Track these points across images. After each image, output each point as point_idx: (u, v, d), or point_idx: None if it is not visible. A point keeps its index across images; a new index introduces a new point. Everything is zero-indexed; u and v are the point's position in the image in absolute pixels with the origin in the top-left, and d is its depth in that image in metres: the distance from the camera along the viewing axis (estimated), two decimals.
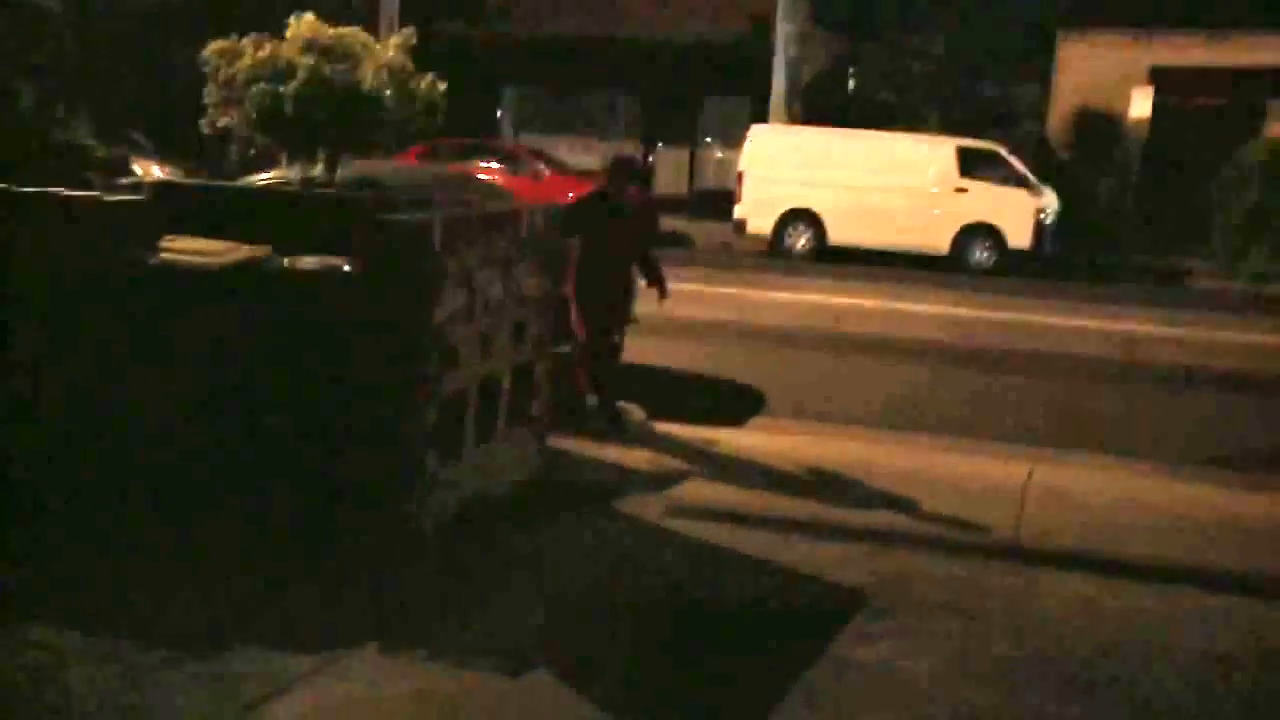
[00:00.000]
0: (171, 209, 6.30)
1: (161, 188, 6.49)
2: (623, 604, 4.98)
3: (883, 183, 19.90)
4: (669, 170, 26.63)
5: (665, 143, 26.87)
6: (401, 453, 5.19)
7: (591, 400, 7.93)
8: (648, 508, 6.27)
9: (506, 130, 27.57)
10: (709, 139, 26.75)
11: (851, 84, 28.89)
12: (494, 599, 4.91)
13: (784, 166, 20.31)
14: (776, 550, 5.71)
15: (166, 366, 5.22)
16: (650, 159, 26.63)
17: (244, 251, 5.28)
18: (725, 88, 25.43)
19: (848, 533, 6.07)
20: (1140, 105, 22.23)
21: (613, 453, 7.36)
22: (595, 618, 4.82)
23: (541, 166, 21.79)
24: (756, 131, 21.02)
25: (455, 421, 5.60)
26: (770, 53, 23.71)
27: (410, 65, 9.76)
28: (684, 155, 26.70)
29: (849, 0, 27.45)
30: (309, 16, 9.65)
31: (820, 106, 25.21)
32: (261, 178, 10.80)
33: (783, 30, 23.78)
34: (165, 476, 5.22)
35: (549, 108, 27.60)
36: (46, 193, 5.51)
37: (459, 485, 5.66)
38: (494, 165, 21.73)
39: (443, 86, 10.10)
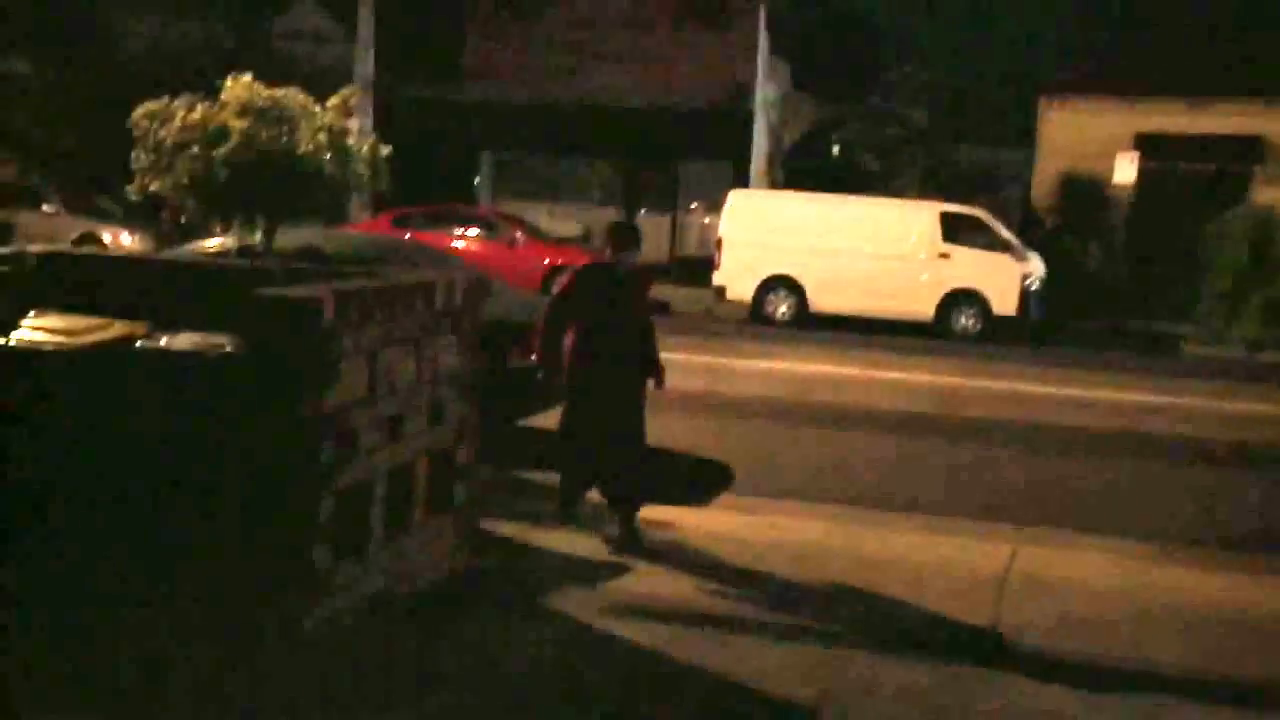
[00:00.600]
0: (57, 281, 5.78)
1: (46, 258, 5.92)
2: None
3: (864, 248, 19.43)
4: (650, 236, 26.07)
5: (646, 208, 26.48)
6: (288, 552, 4.59)
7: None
8: (582, 605, 5.65)
9: (485, 196, 27.17)
10: (690, 204, 26.36)
11: (835, 149, 28.61)
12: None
13: (764, 232, 19.85)
14: (721, 658, 5.08)
15: (25, 458, 4.63)
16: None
17: (115, 330, 4.72)
18: (706, 152, 25.09)
19: (803, 634, 5.46)
20: (1125, 171, 21.87)
21: (556, 539, 6.75)
22: None
23: (518, 233, 21.32)
24: (735, 197, 20.59)
25: (359, 514, 5.01)
26: (751, 117, 23.37)
27: (350, 127, 9.33)
28: (665, 221, 26.29)
29: (831, 65, 27.21)
30: (245, 77, 9.20)
31: (802, 171, 24.86)
32: (209, 244, 10.33)
33: (763, 95, 23.47)
34: (17, 580, 4.61)
35: (528, 173, 27.24)
36: None
37: (362, 584, 5.05)
38: (469, 232, 21.27)
39: (386, 150, 9.65)
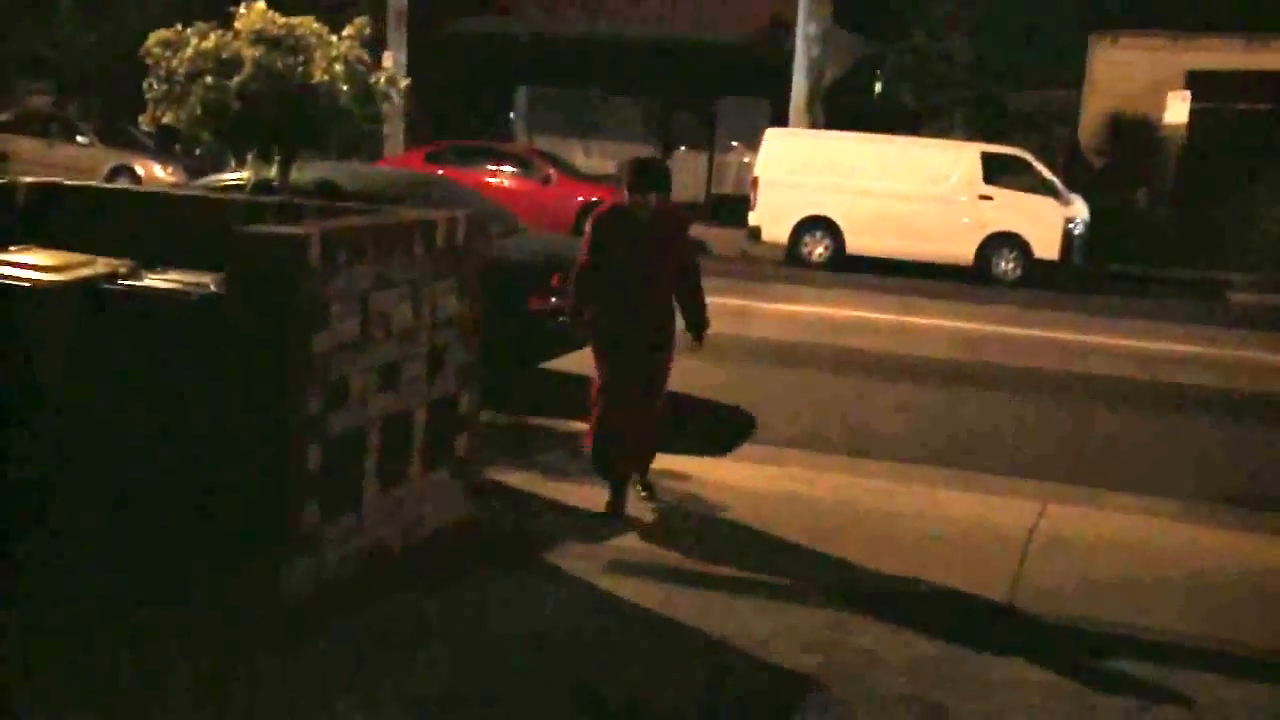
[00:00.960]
0: (50, 214, 5.60)
1: (39, 190, 5.74)
2: (515, 699, 4.15)
3: (903, 189, 18.99)
4: (686, 174, 25.76)
5: (683, 146, 26.06)
6: (270, 506, 4.41)
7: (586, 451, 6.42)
8: (583, 562, 5.45)
9: (520, 132, 26.81)
10: (728, 142, 25.91)
11: (878, 87, 28.00)
12: (354, 690, 4.09)
13: (801, 172, 19.43)
14: (721, 621, 4.88)
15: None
16: (666, 163, 25.78)
17: (96, 267, 4.52)
18: (744, 89, 24.58)
19: (812, 598, 5.24)
20: (1177, 110, 21.21)
21: (566, 491, 6.55)
22: None
23: (551, 170, 21.03)
24: (772, 135, 20.14)
25: (351, 465, 4.82)
26: (791, 54, 22.81)
27: (366, 57, 9.02)
28: (701, 159, 25.86)
29: (874, 1, 26.53)
30: (259, 4, 8.91)
31: (843, 110, 24.31)
32: (228, 178, 10.15)
33: (804, 31, 22.87)
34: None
35: (564, 109, 26.83)
36: None
37: (354, 539, 4.88)
38: (502, 168, 21.00)
39: (404, 82, 9.35)
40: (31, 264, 4.46)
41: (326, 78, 8.56)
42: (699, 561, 5.61)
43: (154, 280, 4.51)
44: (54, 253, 4.63)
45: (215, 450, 4.37)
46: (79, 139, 23.31)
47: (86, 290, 4.36)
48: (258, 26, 8.68)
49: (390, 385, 4.99)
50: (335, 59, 8.70)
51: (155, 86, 8.74)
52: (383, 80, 8.97)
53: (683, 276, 6.34)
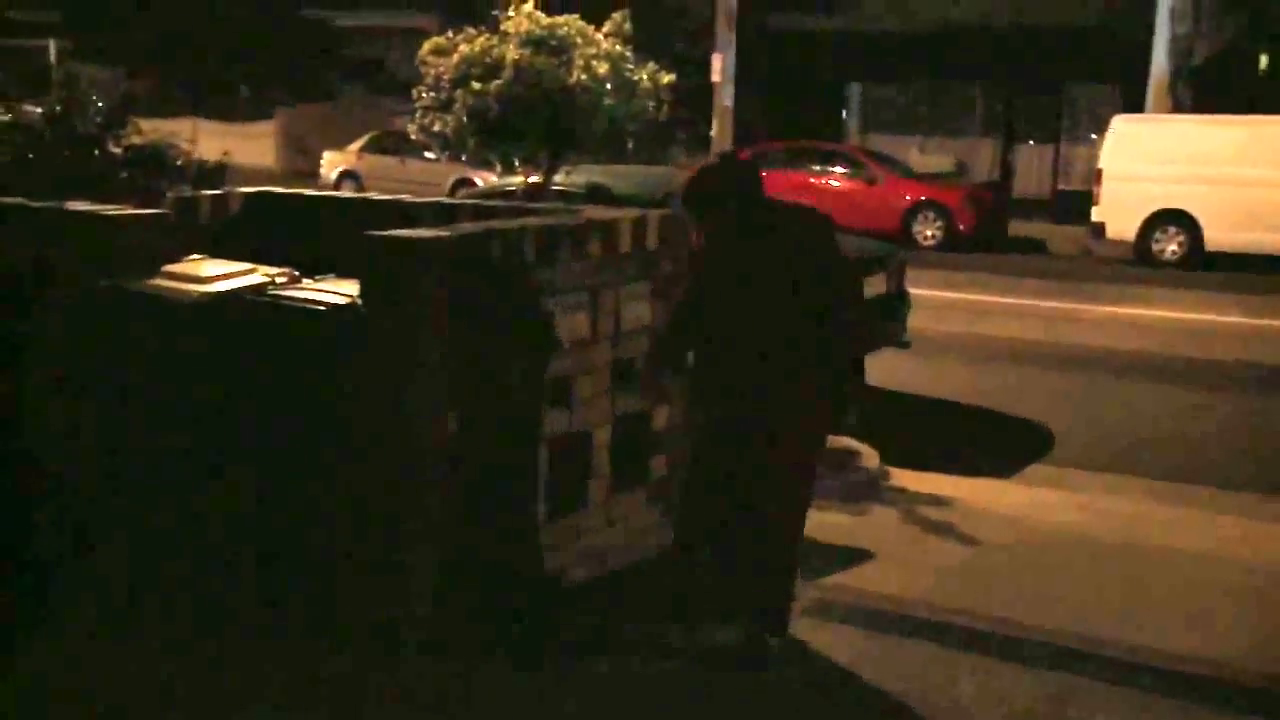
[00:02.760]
0: (258, 223, 5.56)
1: (253, 199, 5.70)
2: None
3: (1275, 176, 16.83)
4: (1030, 170, 24.14)
5: (1027, 139, 24.42)
6: (398, 550, 4.06)
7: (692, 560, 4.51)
8: None
9: (853, 130, 25.97)
10: (1078, 132, 24.02)
11: (1264, 61, 25.13)
12: None
13: (1151, 161, 17.58)
14: (920, 681, 4.11)
15: (141, 419, 4.33)
16: (1009, 157, 24.25)
17: (255, 277, 4.33)
18: (1094, 74, 22.70)
19: (1043, 657, 4.37)
20: None
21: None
22: None
23: (877, 169, 20.18)
24: (1119, 123, 18.36)
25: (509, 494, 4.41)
26: (1146, 33, 20.82)
27: (629, 54, 8.69)
28: (1047, 152, 24.13)
29: None
30: (527, 5, 8.79)
31: (1216, 91, 21.92)
32: (513, 182, 10.19)
33: (1167, 5, 20.80)
34: (120, 559, 4.33)
35: (899, 105, 25.77)
36: (25, 206, 4.80)
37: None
38: (828, 168, 20.38)
39: (668, 78, 8.94)
40: (182, 274, 4.33)
41: (584, 76, 8.30)
42: (924, 608, 4.85)
43: (304, 289, 4.27)
44: (217, 263, 4.49)
45: (332, 481, 4.06)
46: (426, 155, 24.48)
47: (222, 302, 4.17)
48: (524, 28, 8.55)
49: (562, 402, 4.56)
50: (595, 57, 8.43)
51: (424, 95, 8.78)
52: (646, 77, 8.62)
53: (821, 322, 4.13)
